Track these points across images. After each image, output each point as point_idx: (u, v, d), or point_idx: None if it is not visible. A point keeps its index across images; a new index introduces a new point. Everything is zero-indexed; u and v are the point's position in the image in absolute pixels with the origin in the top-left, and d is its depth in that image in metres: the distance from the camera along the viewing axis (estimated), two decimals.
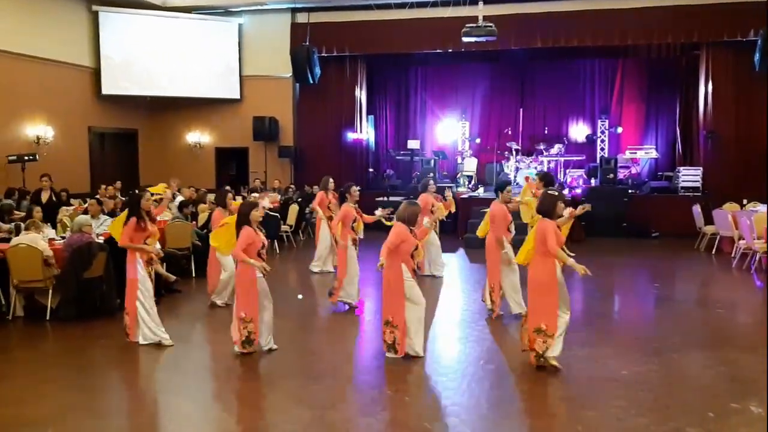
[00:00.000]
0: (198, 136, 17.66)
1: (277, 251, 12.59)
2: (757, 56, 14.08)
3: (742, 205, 12.71)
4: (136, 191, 7.94)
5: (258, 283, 6.31)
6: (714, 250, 12.29)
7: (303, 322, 7.92)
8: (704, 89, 15.56)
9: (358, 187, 8.65)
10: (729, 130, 14.98)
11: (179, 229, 10.04)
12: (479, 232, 8.10)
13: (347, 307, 8.23)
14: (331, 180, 10.76)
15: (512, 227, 7.82)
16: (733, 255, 11.33)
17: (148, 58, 16.54)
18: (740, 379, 5.77)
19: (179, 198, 12.40)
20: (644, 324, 8.03)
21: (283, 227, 12.98)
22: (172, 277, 8.91)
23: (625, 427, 4.81)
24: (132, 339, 6.83)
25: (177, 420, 5.18)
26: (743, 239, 10.91)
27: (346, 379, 5.93)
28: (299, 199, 14.23)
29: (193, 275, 10.22)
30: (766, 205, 12.47)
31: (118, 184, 14.45)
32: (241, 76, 17.16)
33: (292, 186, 15.88)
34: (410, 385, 5.73)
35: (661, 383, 5.69)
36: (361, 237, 8.54)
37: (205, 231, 10.50)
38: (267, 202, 11.95)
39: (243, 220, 6.30)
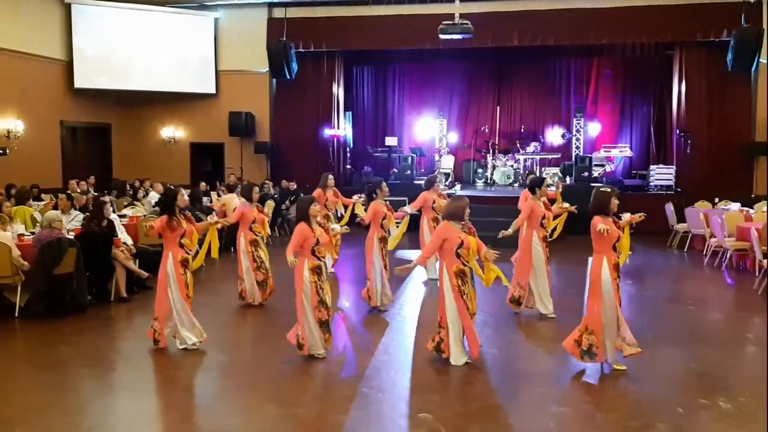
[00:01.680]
0: (173, 131, 17.47)
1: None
2: (729, 56, 14.28)
3: (714, 204, 12.89)
4: (171, 187, 7.76)
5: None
6: (686, 248, 12.46)
7: (275, 320, 7.86)
8: (678, 89, 15.74)
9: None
10: (702, 130, 15.18)
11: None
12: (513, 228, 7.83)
13: (376, 309, 8.02)
14: (330, 177, 10.41)
15: (546, 223, 7.70)
16: (704, 252, 11.49)
17: (122, 51, 16.33)
18: (709, 374, 5.84)
19: (153, 194, 12.28)
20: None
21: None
22: (144, 274, 8.82)
23: (595, 423, 4.85)
24: (162, 345, 6.50)
25: (147, 418, 5.11)
26: (714, 237, 11.06)
27: (318, 376, 5.89)
28: (275, 195, 14.14)
29: None
30: (737, 204, 12.70)
31: (92, 179, 14.28)
32: (217, 70, 17.01)
33: (268, 181, 15.77)
34: (385, 381, 5.72)
35: (631, 379, 5.74)
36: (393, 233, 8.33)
37: None
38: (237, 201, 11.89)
39: (302, 215, 6.09)
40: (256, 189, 8.65)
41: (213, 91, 17.04)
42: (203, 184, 14.07)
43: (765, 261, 8.97)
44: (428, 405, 5.17)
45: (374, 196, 8.15)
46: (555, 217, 7.92)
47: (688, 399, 5.28)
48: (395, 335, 7.23)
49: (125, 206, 11.65)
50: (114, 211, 10.45)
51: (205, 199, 12.43)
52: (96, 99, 16.54)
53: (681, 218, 12.84)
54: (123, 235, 9.03)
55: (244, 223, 8.20)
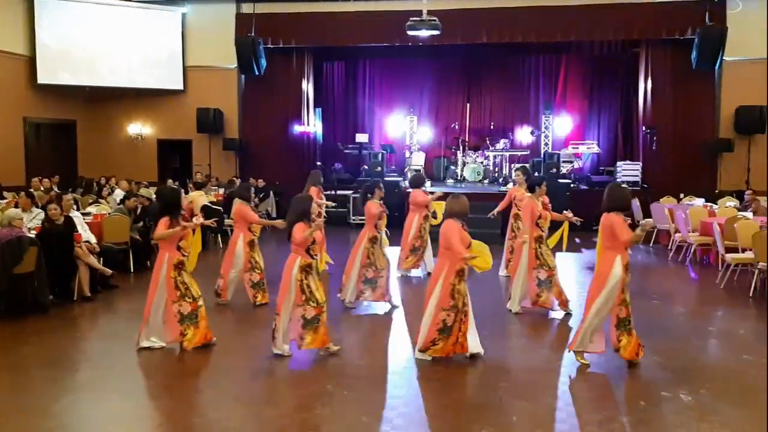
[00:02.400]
0: (139, 128, 17.23)
1: (221, 245, 12.38)
2: (694, 54, 14.51)
3: (679, 199, 13.10)
4: (173, 187, 7.59)
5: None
6: (651, 243, 12.64)
7: (242, 318, 7.80)
8: (644, 86, 15.96)
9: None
10: (667, 126, 15.40)
11: (117, 223, 9.75)
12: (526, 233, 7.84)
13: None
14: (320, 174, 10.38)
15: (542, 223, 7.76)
16: (669, 247, 11.67)
17: (87, 46, 16.06)
18: (671, 368, 5.92)
19: (118, 191, 12.09)
20: (580, 314, 8.08)
21: (228, 221, 12.74)
22: (108, 271, 8.67)
23: (558, 417, 4.89)
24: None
25: (109, 419, 5.02)
26: (679, 232, 11.24)
27: (284, 375, 5.86)
28: None
29: (132, 270, 9.95)
30: (701, 199, 12.93)
31: (56, 177, 14.02)
32: (184, 66, 16.81)
33: (237, 178, 15.64)
34: (351, 379, 5.69)
35: (595, 373, 5.80)
36: (387, 233, 8.24)
37: (140, 225, 10.25)
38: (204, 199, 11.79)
39: (303, 214, 6.01)
40: (253, 189, 8.46)
41: (181, 87, 16.84)
42: (170, 181, 13.89)
43: (728, 256, 9.13)
44: (394, 402, 5.17)
45: (369, 196, 8.09)
46: (555, 223, 7.97)
47: (651, 392, 5.35)
48: (363, 333, 7.21)
49: (90, 204, 11.45)
50: (78, 209, 10.29)
51: None
52: (61, 95, 16.24)
53: (647, 214, 13.01)
54: (86, 233, 8.88)
55: (243, 223, 8.05)
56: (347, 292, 7.98)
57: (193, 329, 6.28)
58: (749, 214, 10.76)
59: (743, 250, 9.08)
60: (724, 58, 14.57)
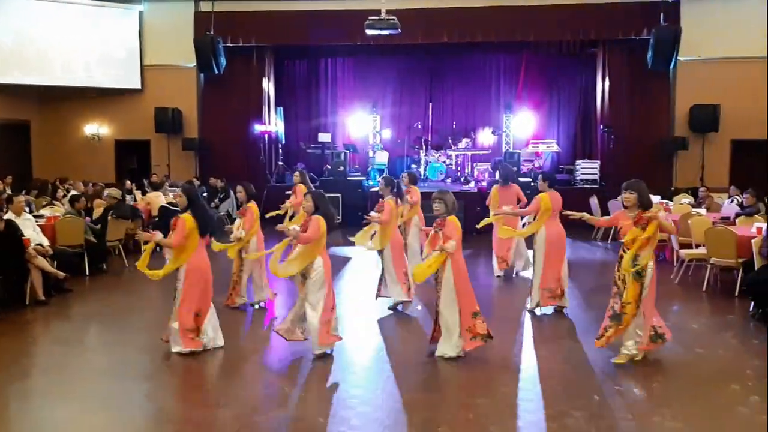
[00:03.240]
0: (96, 128, 16.88)
1: None
2: (649, 54, 14.77)
3: None
4: (192, 183, 7.35)
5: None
6: (610, 240, 12.83)
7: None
8: (601, 85, 16.21)
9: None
10: (624, 125, 15.64)
11: (71, 225, 9.53)
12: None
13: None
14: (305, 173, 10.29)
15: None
16: None
17: (41, 44, 15.65)
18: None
19: (74, 193, 11.82)
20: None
21: None
22: (61, 274, 8.46)
23: (513, 413, 4.93)
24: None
25: (60, 425, 4.90)
26: None
27: (239, 376, 5.79)
28: (204, 194, 13.83)
29: (87, 274, 9.73)
30: (657, 197, 13.16)
31: (9, 179, 13.67)
32: (142, 65, 16.51)
33: (196, 179, 15.45)
34: (308, 379, 5.66)
35: (550, 369, 5.87)
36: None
37: (99, 226, 10.05)
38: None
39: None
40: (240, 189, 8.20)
41: (138, 86, 16.54)
42: (128, 182, 13.63)
43: (682, 252, 9.31)
44: (351, 402, 5.14)
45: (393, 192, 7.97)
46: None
47: (604, 386, 5.42)
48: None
49: (44, 206, 11.20)
50: (31, 211, 10.05)
51: (129, 197, 12.06)
52: (13, 95, 15.82)
53: (605, 211, 13.21)
54: (39, 236, 8.66)
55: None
56: (406, 291, 7.82)
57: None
58: (703, 211, 11.02)
59: (697, 246, 9.27)
60: (678, 58, 14.87)
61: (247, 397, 5.35)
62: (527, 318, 7.57)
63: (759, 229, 8.16)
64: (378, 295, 7.92)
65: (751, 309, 7.54)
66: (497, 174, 10.26)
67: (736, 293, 8.37)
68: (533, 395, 5.24)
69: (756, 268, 7.67)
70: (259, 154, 16.56)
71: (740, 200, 11.11)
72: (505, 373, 5.76)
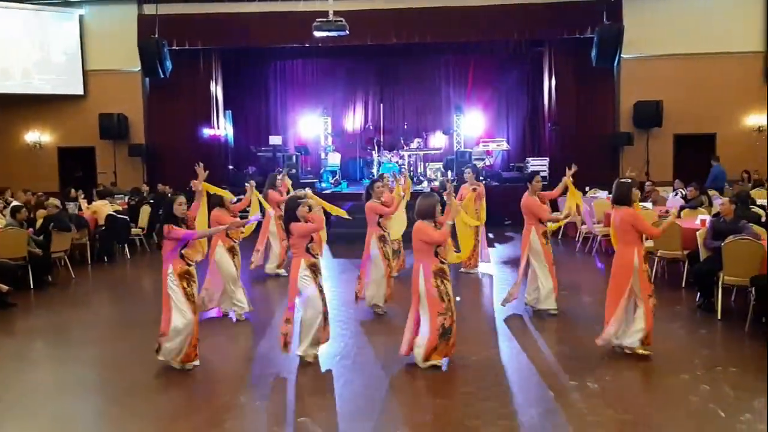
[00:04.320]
0: (38, 136, 16.38)
1: (128, 256, 11.91)
2: (594, 52, 15.06)
3: (585, 192, 13.55)
4: (168, 196, 7.07)
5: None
6: (560, 235, 13.02)
7: (152, 328, 7.49)
8: (548, 84, 16.48)
9: (381, 183, 7.94)
10: (571, 122, 15.93)
11: (13, 237, 9.19)
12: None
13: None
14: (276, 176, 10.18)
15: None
16: (576, 239, 12.06)
17: None
18: (578, 357, 6.09)
19: (14, 203, 11.40)
20: (490, 308, 8.17)
21: (134, 230, 12.29)
22: (4, 288, 8.15)
23: (470, 412, 4.93)
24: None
25: None
26: (585, 224, 11.64)
27: (194, 388, 5.65)
28: (152, 200, 13.52)
29: (32, 287, 9.38)
30: (605, 192, 13.41)
31: None
32: (84, 70, 16.09)
33: (145, 185, 15.10)
34: (264, 389, 5.56)
35: (507, 366, 5.91)
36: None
37: (42, 237, 9.73)
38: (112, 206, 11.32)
39: (291, 216, 5.94)
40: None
41: (81, 92, 16.12)
42: (73, 190, 13.23)
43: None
44: (308, 409, 5.08)
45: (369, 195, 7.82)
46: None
47: (559, 382, 5.48)
48: (273, 340, 7.05)
49: None
50: None
51: (72, 205, 11.70)
52: None
53: (555, 207, 13.38)
54: None
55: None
56: (379, 297, 7.66)
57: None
58: (649, 204, 11.27)
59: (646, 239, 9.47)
60: (621, 55, 15.21)
61: (202, 408, 5.21)
62: (485, 317, 7.61)
63: (703, 222, 8.38)
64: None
65: (697, 300, 7.73)
66: (466, 174, 10.33)
67: (683, 285, 8.58)
68: (490, 393, 5.25)
69: (701, 260, 7.86)
70: (208, 159, 16.17)
71: (684, 193, 11.40)
72: (461, 372, 5.77)
